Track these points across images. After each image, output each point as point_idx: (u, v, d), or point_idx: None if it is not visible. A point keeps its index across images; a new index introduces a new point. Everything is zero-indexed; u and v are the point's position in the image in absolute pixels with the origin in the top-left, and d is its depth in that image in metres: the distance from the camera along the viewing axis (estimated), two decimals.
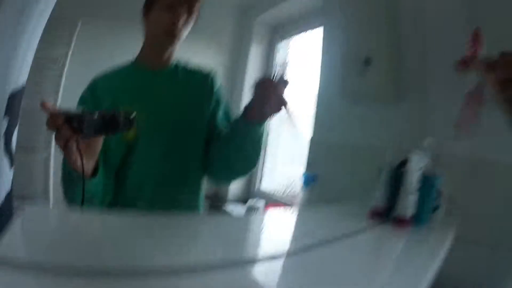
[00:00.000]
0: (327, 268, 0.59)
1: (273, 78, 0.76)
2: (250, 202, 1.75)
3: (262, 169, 2.04)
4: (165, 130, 0.91)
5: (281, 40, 2.16)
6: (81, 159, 0.65)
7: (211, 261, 0.52)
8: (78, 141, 0.63)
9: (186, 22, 0.90)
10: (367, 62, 1.39)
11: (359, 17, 1.51)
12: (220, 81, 1.00)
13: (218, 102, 0.97)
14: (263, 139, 0.85)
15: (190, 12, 0.90)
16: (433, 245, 0.83)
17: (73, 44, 1.96)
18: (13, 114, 0.72)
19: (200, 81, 0.98)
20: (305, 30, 1.99)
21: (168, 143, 0.91)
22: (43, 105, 0.60)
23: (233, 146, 0.87)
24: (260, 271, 0.54)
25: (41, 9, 0.87)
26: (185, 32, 0.92)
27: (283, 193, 1.85)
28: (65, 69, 1.96)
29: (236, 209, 1.88)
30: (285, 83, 0.76)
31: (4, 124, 0.67)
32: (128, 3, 1.11)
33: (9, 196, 0.76)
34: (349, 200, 1.22)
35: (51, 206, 1.87)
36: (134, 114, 0.65)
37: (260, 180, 2.05)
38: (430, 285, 0.57)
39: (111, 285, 0.41)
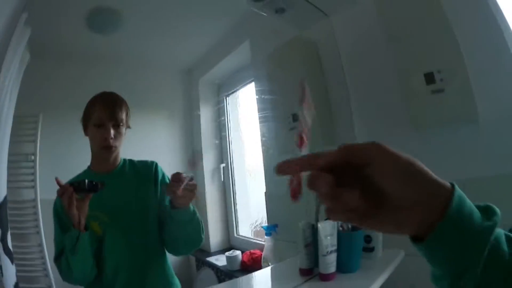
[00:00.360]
0: None
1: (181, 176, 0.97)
2: (228, 253, 1.90)
3: (236, 218, 2.20)
4: (124, 224, 1.07)
5: (227, 96, 2.33)
6: (79, 214, 0.94)
7: None
8: (76, 199, 0.92)
9: (117, 134, 1.09)
10: (295, 117, 1.54)
11: (283, 73, 1.68)
12: (161, 169, 1.18)
13: (164, 186, 1.13)
14: (195, 218, 1.06)
15: (118, 125, 1.08)
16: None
17: (38, 140, 2.10)
18: (3, 223, 0.87)
19: (145, 173, 1.16)
20: (245, 84, 2.16)
21: (130, 234, 1.08)
22: (57, 180, 0.93)
23: (173, 229, 1.07)
24: None
25: (5, 122, 1.03)
26: (119, 142, 1.11)
27: (257, 238, 2.01)
28: (37, 164, 2.10)
29: (219, 259, 2.03)
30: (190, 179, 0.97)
31: None
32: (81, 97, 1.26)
33: (17, 286, 0.91)
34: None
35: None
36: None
37: (237, 228, 2.20)
38: None
39: None
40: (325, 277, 1.02)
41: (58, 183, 0.93)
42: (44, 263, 2.13)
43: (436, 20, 1.19)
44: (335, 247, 1.03)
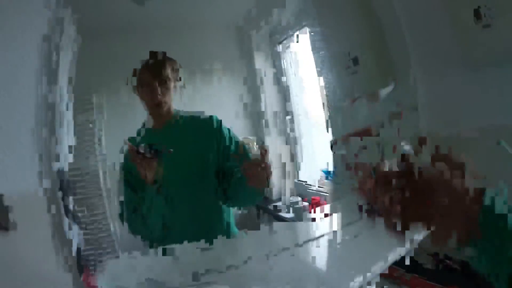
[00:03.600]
0: None
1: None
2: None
3: (298, 164, 2.24)
4: (180, 175, 1.16)
5: (280, 45, 2.29)
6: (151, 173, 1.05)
7: None
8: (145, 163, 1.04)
9: (165, 89, 1.17)
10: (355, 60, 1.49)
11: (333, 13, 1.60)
12: (220, 121, 1.24)
13: (224, 140, 1.22)
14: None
15: (164, 82, 1.17)
16: None
17: (105, 109, 2.25)
18: (64, 189, 0.99)
19: (202, 125, 1.24)
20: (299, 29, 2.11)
21: (185, 186, 1.16)
22: (128, 144, 1.06)
23: (240, 195, 1.15)
24: None
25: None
26: (168, 97, 1.18)
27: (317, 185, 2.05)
28: (103, 131, 2.27)
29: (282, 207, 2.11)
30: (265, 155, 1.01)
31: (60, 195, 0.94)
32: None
33: (79, 251, 1.05)
34: None
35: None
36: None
37: (298, 173, 2.25)
38: None
39: None
40: None
41: (130, 147, 1.04)
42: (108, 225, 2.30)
43: None
44: None
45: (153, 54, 1.19)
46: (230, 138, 1.23)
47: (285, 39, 2.24)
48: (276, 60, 2.28)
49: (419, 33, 1.39)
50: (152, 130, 1.21)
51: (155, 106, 1.17)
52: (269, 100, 2.24)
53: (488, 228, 0.39)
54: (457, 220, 0.41)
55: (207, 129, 1.23)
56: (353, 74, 1.50)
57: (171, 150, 1.05)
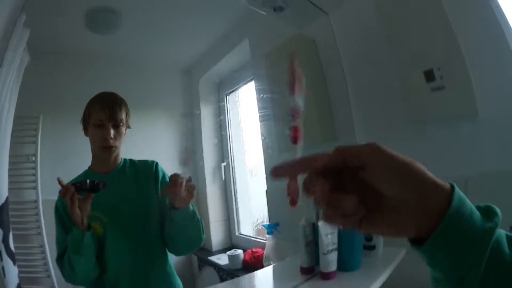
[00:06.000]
0: None
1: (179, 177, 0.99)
2: (230, 252, 1.90)
3: (238, 217, 2.20)
4: (125, 224, 1.08)
5: (227, 95, 2.32)
6: (81, 211, 0.95)
7: None
8: (78, 199, 0.94)
9: (117, 134, 1.10)
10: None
11: (280, 72, 1.68)
12: (162, 168, 1.19)
13: (164, 186, 1.14)
14: (196, 218, 1.07)
15: (117, 126, 1.08)
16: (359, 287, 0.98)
17: (39, 142, 2.10)
18: (5, 224, 0.87)
19: (145, 173, 1.16)
20: (245, 82, 2.16)
21: (130, 234, 1.08)
22: (58, 181, 0.94)
23: (174, 230, 1.07)
24: None
25: (5, 125, 1.04)
26: (119, 142, 1.11)
27: (258, 237, 2.01)
28: (38, 165, 2.10)
29: (221, 258, 2.03)
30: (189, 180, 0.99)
31: (0, 234, 0.81)
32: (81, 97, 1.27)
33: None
34: None
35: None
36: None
37: (238, 227, 2.21)
38: None
39: None
40: (326, 276, 1.02)
41: (60, 183, 0.94)
42: (46, 264, 2.13)
43: (435, 17, 1.18)
44: (335, 246, 1.03)
45: (109, 94, 1.12)
46: (164, 177, 1.18)
47: (233, 90, 2.27)
48: (220, 108, 2.29)
49: (365, 96, 1.48)
50: (99, 176, 1.11)
51: (106, 150, 1.08)
52: (208, 149, 2.24)
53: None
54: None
55: (149, 175, 1.16)
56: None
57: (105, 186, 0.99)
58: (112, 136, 1.07)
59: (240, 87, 2.23)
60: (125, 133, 1.12)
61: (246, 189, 2.21)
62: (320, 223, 1.00)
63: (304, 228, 1.07)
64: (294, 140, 0.92)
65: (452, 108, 1.17)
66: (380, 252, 1.18)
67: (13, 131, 1.13)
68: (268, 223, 1.69)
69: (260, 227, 2.04)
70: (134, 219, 1.09)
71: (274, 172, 0.41)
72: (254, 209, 2.16)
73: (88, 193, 0.97)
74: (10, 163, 1.08)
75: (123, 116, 1.10)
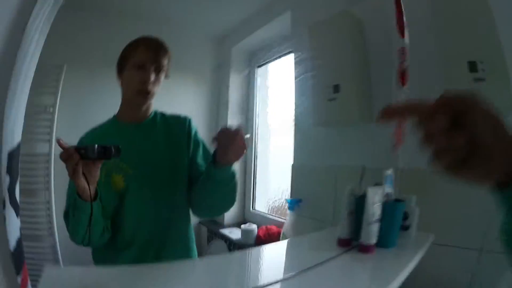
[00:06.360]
0: None
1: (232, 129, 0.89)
2: (244, 226, 1.85)
3: (254, 193, 2.14)
4: (150, 178, 1.00)
5: (259, 67, 2.26)
6: (87, 180, 0.80)
7: None
8: (83, 167, 0.78)
9: (156, 79, 1.02)
10: (336, 88, 1.48)
11: (325, 46, 1.62)
12: (195, 125, 1.11)
13: (196, 145, 1.08)
14: (235, 180, 0.98)
15: (159, 70, 1.02)
16: (397, 264, 0.92)
17: (59, 92, 2.04)
18: (13, 171, 0.80)
19: (178, 127, 1.08)
20: (280, 56, 2.09)
21: (155, 190, 1.01)
22: (58, 142, 0.78)
23: (209, 188, 0.98)
24: None
25: (27, 67, 0.97)
26: (157, 89, 1.04)
27: (273, 214, 1.95)
28: (56, 117, 2.04)
29: (233, 232, 1.98)
30: (242, 132, 0.89)
31: (7, 181, 0.74)
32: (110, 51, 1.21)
33: (19, 242, 0.86)
34: (328, 224, 1.31)
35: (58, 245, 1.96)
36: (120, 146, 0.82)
37: (254, 203, 2.14)
38: None
39: None
40: (365, 249, 0.96)
41: (61, 145, 0.78)
42: (51, 222, 2.06)
43: (481, 10, 1.16)
44: (378, 218, 0.98)
45: (154, 37, 1.04)
46: (199, 141, 1.10)
47: (266, 62, 2.21)
48: (250, 81, 2.23)
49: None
50: (127, 125, 1.03)
51: (141, 95, 1.01)
52: (232, 121, 2.17)
53: None
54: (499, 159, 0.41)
55: (181, 130, 1.08)
56: (331, 101, 1.48)
57: (119, 152, 0.83)
58: (152, 79, 1.00)
59: (272, 60, 2.16)
60: (162, 82, 1.05)
61: (267, 164, 2.14)
62: (370, 190, 0.94)
63: (349, 197, 1.01)
64: (402, 82, 0.91)
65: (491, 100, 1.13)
66: (414, 233, 1.12)
67: (34, 78, 1.07)
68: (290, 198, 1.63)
69: (276, 204, 1.99)
70: (161, 175, 1.02)
71: (385, 114, 0.43)
72: (272, 186, 2.10)
73: (96, 160, 0.81)
74: (26, 113, 1.01)
75: (166, 62, 1.03)
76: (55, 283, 0.72)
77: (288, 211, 1.58)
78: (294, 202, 1.56)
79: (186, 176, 1.05)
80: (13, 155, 0.87)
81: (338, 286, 0.82)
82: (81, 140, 1.00)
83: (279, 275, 0.81)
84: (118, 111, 1.05)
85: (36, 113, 2.05)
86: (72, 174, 0.78)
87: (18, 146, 0.93)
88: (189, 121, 1.10)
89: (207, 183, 0.97)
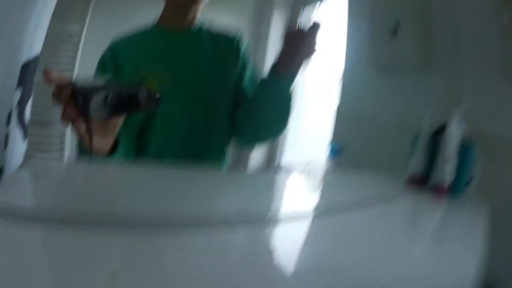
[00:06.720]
0: (357, 233, 0.54)
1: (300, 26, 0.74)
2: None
3: (283, 143, 1.99)
4: (189, 92, 0.87)
5: (305, 6, 2.05)
6: (91, 141, 0.53)
7: (232, 217, 0.48)
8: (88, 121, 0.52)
9: None
10: (396, 29, 1.29)
11: None
12: (246, 44, 0.96)
13: (244, 65, 0.94)
14: (293, 97, 0.82)
15: None
16: (471, 219, 0.76)
17: (88, 19, 1.89)
18: (26, 85, 0.67)
19: (225, 43, 0.94)
20: None
21: (193, 105, 0.87)
22: (45, 73, 0.49)
23: (262, 106, 0.84)
24: (284, 231, 0.50)
25: None
26: None
27: (304, 168, 1.80)
28: (81, 44, 1.90)
29: None
30: (315, 28, 0.73)
31: (18, 94, 0.62)
32: None
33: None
34: (378, 170, 1.15)
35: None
36: (158, 94, 0.57)
37: (281, 153, 2.00)
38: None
39: (125, 236, 0.38)
40: (438, 191, 0.81)
41: (48, 76, 0.50)
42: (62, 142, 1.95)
43: None
44: (454, 157, 0.82)
45: None
46: (247, 62, 0.95)
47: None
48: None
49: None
50: (170, 32, 0.89)
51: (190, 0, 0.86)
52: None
53: None
54: None
55: (231, 43, 0.93)
56: (392, 43, 1.29)
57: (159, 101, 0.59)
58: None
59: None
60: None
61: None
62: (452, 124, 0.78)
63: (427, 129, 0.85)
64: None
65: None
66: (475, 186, 0.95)
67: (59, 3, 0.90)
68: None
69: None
70: (201, 93, 0.88)
71: None
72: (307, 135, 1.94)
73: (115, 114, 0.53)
74: (47, 42, 0.83)
75: None
76: None
77: (327, 158, 1.42)
78: (337, 147, 1.40)
79: (229, 96, 0.91)
80: (28, 66, 0.73)
81: (405, 230, 0.65)
82: (114, 46, 0.86)
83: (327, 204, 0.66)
84: (160, 17, 0.91)
85: (58, 43, 1.91)
86: (72, 128, 0.54)
87: (36, 57, 0.79)
88: (239, 38, 0.95)
89: (262, 100, 0.84)
